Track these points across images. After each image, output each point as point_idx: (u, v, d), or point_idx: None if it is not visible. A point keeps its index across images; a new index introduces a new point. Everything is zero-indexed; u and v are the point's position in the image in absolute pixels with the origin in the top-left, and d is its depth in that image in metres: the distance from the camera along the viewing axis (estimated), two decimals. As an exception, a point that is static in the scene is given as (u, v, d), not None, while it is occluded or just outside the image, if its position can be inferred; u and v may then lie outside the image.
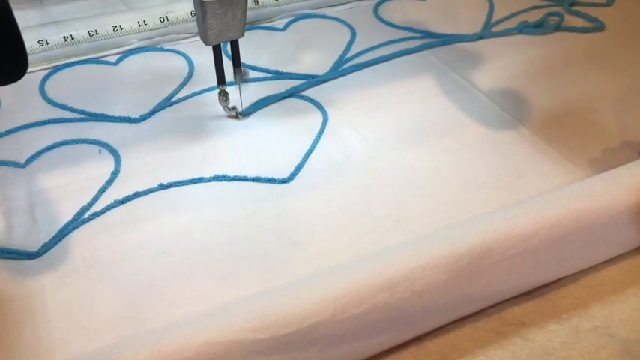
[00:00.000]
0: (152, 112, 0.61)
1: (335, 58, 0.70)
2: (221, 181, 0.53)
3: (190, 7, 0.72)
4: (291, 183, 0.53)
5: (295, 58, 0.70)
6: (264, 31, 0.76)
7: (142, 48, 0.71)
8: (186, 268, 0.46)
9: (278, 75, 0.67)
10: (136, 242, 0.47)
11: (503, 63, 0.69)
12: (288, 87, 0.64)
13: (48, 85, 0.65)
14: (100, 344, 0.39)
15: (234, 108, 0.60)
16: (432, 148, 0.57)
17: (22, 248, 0.47)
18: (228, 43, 0.58)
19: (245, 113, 0.61)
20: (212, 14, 0.52)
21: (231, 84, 0.60)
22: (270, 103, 0.63)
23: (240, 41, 0.74)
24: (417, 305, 0.39)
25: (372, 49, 0.71)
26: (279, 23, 0.77)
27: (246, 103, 0.62)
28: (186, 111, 0.62)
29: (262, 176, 0.53)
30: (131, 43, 0.71)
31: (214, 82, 0.65)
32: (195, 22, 0.73)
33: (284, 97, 0.64)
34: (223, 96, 0.59)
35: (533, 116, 0.61)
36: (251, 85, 0.66)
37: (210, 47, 0.57)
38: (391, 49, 0.71)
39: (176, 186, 0.53)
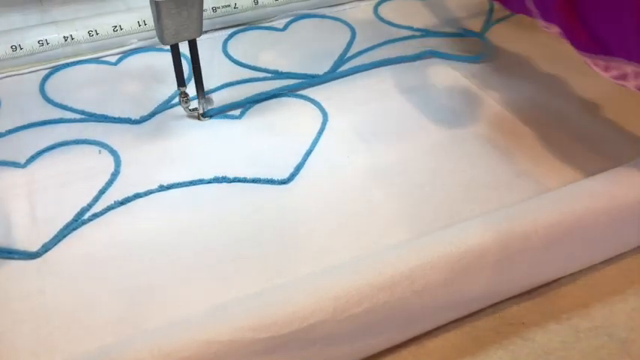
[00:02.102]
0: (153, 114, 0.61)
1: (335, 57, 0.70)
2: (221, 182, 0.53)
3: (190, 7, 0.72)
4: (291, 183, 0.53)
5: (295, 58, 0.70)
6: (264, 31, 0.76)
7: (141, 48, 0.71)
8: (186, 268, 0.46)
9: (278, 75, 0.67)
10: (136, 243, 0.48)
11: (502, 61, 0.69)
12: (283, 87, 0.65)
13: (48, 85, 0.65)
14: (100, 344, 0.39)
15: (195, 109, 0.60)
16: (433, 147, 0.57)
17: (22, 248, 0.47)
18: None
19: (207, 114, 0.60)
20: (166, 14, 0.51)
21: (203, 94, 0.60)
22: (242, 106, 0.62)
23: (241, 41, 0.74)
24: (416, 305, 0.39)
25: (372, 48, 0.71)
26: (279, 23, 0.77)
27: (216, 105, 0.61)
28: (186, 112, 0.62)
29: (262, 177, 0.53)
30: (131, 43, 0.71)
31: (214, 83, 0.66)
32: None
33: (257, 101, 0.62)
34: (184, 97, 0.59)
35: (533, 115, 0.61)
36: (250, 85, 0.66)
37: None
38: (391, 48, 0.71)
39: (176, 187, 0.53)
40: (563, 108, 0.62)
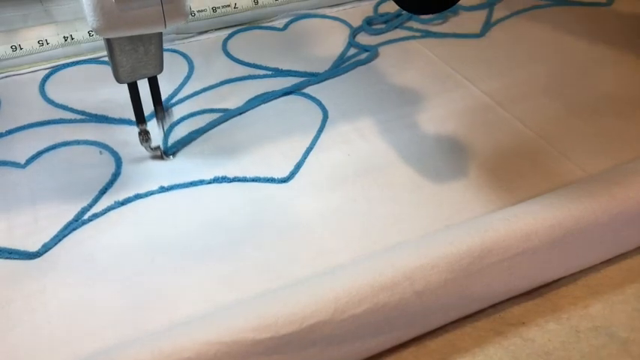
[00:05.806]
0: (153, 114, 0.61)
1: (335, 57, 0.70)
2: (221, 182, 0.53)
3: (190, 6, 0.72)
4: (291, 182, 0.53)
5: (295, 57, 0.70)
6: (264, 31, 0.76)
7: (141, 48, 0.71)
8: (186, 269, 0.46)
9: (278, 72, 0.67)
10: (137, 243, 0.47)
11: (504, 61, 0.69)
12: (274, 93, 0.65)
13: (48, 85, 0.65)
14: (101, 345, 0.39)
15: (157, 148, 0.56)
16: (433, 147, 0.57)
17: (23, 248, 0.47)
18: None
19: (170, 152, 0.56)
20: (120, 51, 0.47)
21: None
22: (206, 131, 0.59)
23: (242, 40, 0.74)
24: (417, 305, 0.39)
25: (372, 48, 0.71)
26: (279, 23, 0.77)
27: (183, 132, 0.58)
28: (185, 111, 0.62)
29: (262, 176, 0.53)
30: (131, 43, 0.71)
31: (214, 81, 0.66)
32: (195, 22, 0.73)
33: (224, 121, 0.60)
34: (144, 136, 0.54)
35: (533, 115, 0.61)
36: (250, 82, 0.66)
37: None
38: (391, 47, 0.71)
39: (176, 188, 0.53)
40: (563, 108, 0.62)
